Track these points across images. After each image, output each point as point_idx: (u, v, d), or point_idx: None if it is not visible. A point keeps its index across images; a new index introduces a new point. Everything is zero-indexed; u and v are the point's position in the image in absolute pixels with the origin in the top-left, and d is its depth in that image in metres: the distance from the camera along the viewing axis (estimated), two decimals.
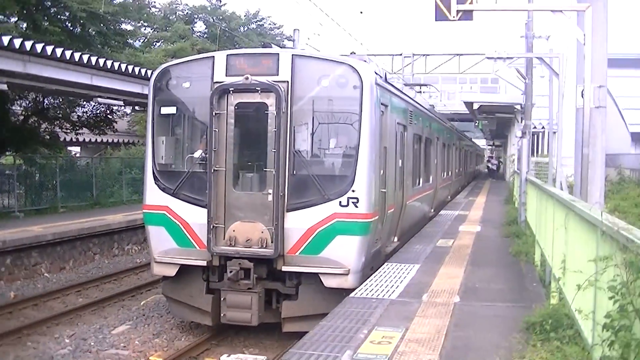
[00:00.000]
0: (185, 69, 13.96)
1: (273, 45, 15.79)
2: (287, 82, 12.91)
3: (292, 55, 13.24)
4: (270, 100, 12.88)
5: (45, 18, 26.65)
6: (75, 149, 46.68)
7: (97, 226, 23.03)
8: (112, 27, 31.06)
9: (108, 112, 32.64)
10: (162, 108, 14.01)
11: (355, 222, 12.77)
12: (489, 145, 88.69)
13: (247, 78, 12.87)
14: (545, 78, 25.52)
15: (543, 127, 43.64)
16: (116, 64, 23.06)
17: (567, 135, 17.19)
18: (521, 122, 28.02)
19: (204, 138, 13.51)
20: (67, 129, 32.08)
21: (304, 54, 14.22)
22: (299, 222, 12.83)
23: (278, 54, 13.36)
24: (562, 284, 8.68)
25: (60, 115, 30.90)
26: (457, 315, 9.63)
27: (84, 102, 30.76)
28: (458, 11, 11.69)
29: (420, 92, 33.46)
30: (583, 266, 6.42)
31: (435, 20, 11.63)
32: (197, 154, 13.69)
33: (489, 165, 76.69)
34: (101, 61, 22.14)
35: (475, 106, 34.82)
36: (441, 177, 27.87)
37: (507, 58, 18.59)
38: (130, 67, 23.86)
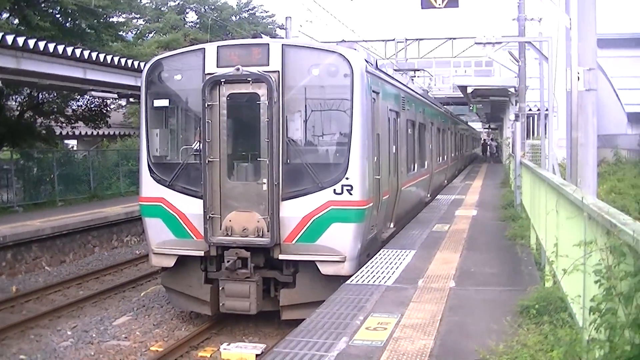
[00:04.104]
0: (176, 62, 14.02)
1: (263, 35, 15.82)
2: (278, 72, 12.97)
3: (282, 45, 13.31)
4: (261, 91, 12.95)
5: (36, 13, 26.58)
6: (72, 142, 46.69)
7: (96, 219, 23.19)
8: (103, 21, 31.00)
9: (103, 105, 32.64)
10: (155, 101, 14.08)
11: (350, 209, 12.86)
12: (485, 128, 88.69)
13: (238, 69, 12.93)
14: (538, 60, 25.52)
15: (539, 110, 43.59)
16: (109, 57, 23.07)
17: (563, 118, 17.22)
18: (516, 105, 28.01)
19: (199, 130, 13.59)
20: (62, 123, 32.12)
21: (294, 44, 14.26)
22: (294, 211, 12.92)
23: (268, 44, 13.43)
24: (555, 268, 8.76)
25: (55, 110, 30.94)
26: (453, 300, 9.73)
27: (79, 96, 30.78)
28: None
29: (415, 76, 33.47)
30: (572, 250, 6.51)
31: (422, 8, 11.70)
32: (196, 145, 13.76)
33: (488, 148, 76.81)
34: (94, 55, 22.14)
35: (469, 90, 34.70)
36: (437, 162, 27.93)
37: (497, 43, 18.57)
38: (123, 60, 23.88)
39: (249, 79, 13.00)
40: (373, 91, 14.04)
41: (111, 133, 43.39)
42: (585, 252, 5.78)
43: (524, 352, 6.64)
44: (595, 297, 4.96)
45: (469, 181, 35.01)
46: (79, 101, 32.02)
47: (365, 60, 13.77)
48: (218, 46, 13.65)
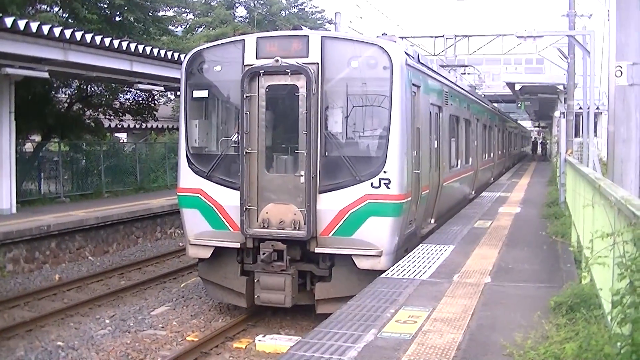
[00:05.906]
0: (216, 53, 14.06)
1: (303, 27, 15.76)
2: (317, 63, 12.93)
3: (322, 37, 13.25)
4: (300, 82, 12.91)
5: (85, 6, 26.85)
6: (122, 135, 47.26)
7: (140, 210, 23.43)
8: (150, 14, 31.25)
9: (150, 99, 32.90)
10: (194, 92, 14.15)
11: (388, 203, 12.76)
12: (535, 126, 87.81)
13: (277, 60, 12.90)
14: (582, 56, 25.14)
15: (589, 107, 42.90)
16: (155, 50, 23.31)
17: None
18: (564, 102, 27.63)
19: (238, 121, 13.59)
20: (110, 115, 32.47)
21: (334, 36, 14.24)
22: (331, 204, 12.86)
23: (307, 35, 13.39)
24: (590, 264, 8.59)
25: (103, 102, 31.27)
26: (487, 295, 9.59)
27: (127, 90, 31.06)
28: None
29: (465, 73, 33.17)
30: (600, 243, 6.37)
31: None
32: (235, 137, 13.78)
33: (538, 146, 76.04)
34: (140, 47, 22.39)
35: (517, 87, 34.38)
36: (482, 159, 27.63)
37: (537, 37, 18.31)
38: (169, 53, 24.09)
39: (288, 71, 12.97)
40: (413, 84, 13.91)
41: (160, 126, 43.80)
42: (613, 244, 5.63)
43: (553, 348, 6.50)
44: (618, 291, 4.81)
45: (516, 179, 34.59)
46: (127, 94, 32.30)
47: (406, 53, 13.65)
48: (257, 37, 13.66)
